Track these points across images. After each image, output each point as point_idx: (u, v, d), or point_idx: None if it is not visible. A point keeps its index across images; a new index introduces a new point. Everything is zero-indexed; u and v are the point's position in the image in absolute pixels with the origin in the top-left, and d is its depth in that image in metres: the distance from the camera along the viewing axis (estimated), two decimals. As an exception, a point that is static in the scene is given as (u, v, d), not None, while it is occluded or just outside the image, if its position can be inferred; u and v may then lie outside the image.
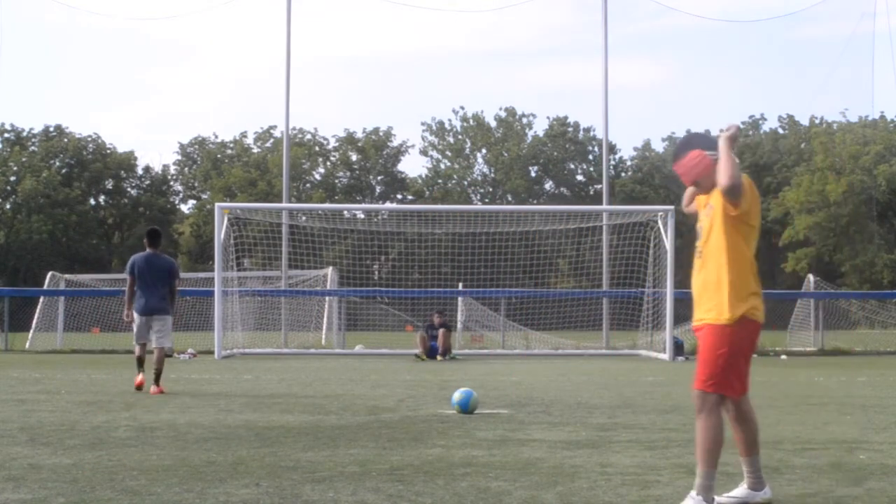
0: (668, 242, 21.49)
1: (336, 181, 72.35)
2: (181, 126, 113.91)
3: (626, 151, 77.78)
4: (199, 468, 6.08)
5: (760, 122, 73.78)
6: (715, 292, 5.01)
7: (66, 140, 68.75)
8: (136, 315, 12.02)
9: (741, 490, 5.15)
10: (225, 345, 21.20)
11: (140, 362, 11.95)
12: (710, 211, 5.10)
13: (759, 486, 5.12)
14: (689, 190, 5.32)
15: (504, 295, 27.46)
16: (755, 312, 4.99)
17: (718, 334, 4.97)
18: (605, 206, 29.70)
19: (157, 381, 11.54)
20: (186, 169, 75.45)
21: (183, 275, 44.21)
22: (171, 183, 74.77)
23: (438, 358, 20.48)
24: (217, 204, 23.13)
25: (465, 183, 72.41)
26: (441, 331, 20.92)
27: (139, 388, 11.66)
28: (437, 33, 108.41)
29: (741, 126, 4.70)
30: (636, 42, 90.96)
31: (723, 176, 4.87)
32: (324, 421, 8.63)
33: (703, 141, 5.18)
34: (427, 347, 20.74)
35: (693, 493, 4.89)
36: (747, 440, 5.15)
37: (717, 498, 4.99)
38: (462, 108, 73.48)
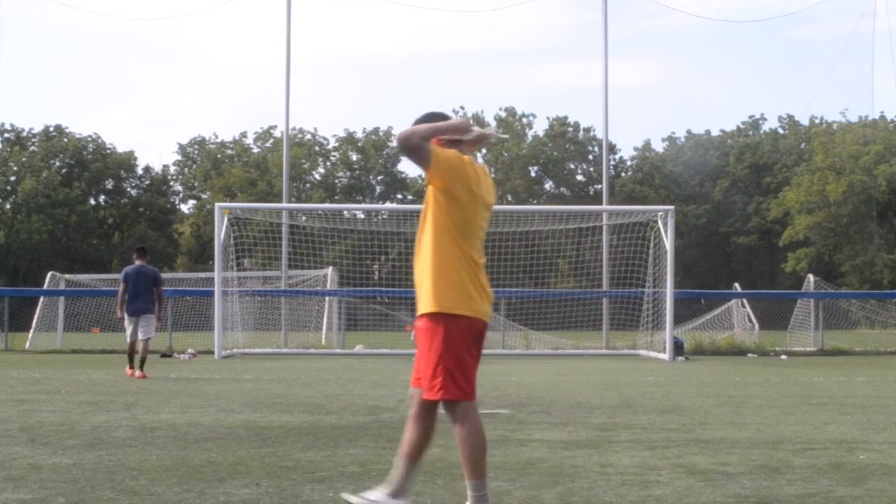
0: (668, 242, 21.48)
1: (336, 181, 72.36)
2: (181, 126, 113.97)
3: (626, 151, 77.94)
4: (199, 468, 6.08)
5: (760, 122, 73.85)
6: (422, 278, 4.62)
7: (66, 140, 68.77)
8: (127, 316, 14.76)
9: (379, 493, 4.72)
10: (225, 345, 21.20)
11: (131, 358, 14.67)
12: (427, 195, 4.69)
13: (399, 495, 4.68)
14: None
15: (504, 295, 27.44)
16: (466, 305, 4.55)
17: (430, 329, 4.55)
18: (605, 206, 29.69)
19: (141, 367, 14.36)
20: (186, 169, 75.48)
21: (183, 275, 44.39)
22: (171, 183, 74.81)
23: None
24: (217, 204, 23.12)
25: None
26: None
27: (130, 376, 14.26)
28: (437, 33, 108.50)
29: (471, 122, 4.38)
30: (636, 42, 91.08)
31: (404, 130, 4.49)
32: (324, 421, 8.63)
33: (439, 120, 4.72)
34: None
35: None
36: (414, 443, 4.75)
37: (347, 496, 4.75)
38: (462, 108, 73.56)
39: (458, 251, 4.57)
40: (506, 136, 4.87)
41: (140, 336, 14.58)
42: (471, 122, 4.79)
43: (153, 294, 14.86)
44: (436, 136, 4.57)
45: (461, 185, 4.55)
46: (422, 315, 4.61)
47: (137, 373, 14.23)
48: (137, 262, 15.11)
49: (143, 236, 65.40)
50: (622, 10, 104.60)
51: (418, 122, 4.69)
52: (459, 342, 4.54)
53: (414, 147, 4.46)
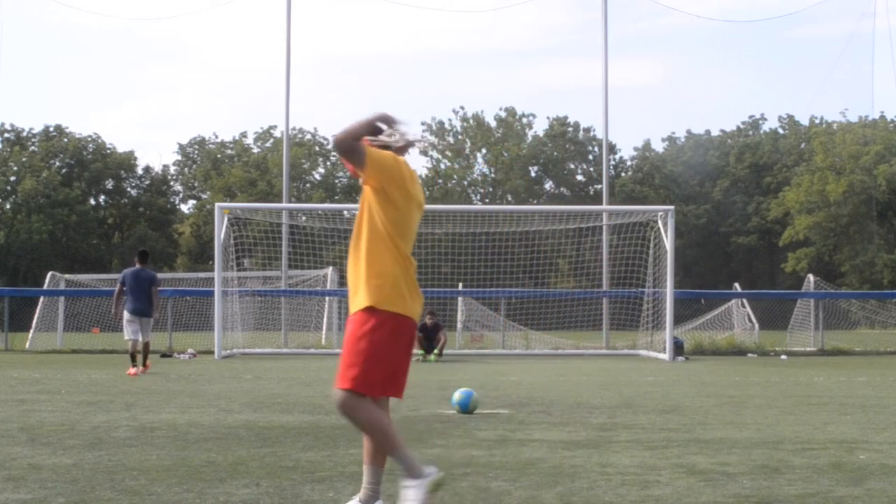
0: (668, 242, 21.48)
1: (336, 181, 72.34)
2: (181, 126, 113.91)
3: (626, 151, 77.93)
4: (199, 468, 6.08)
5: (760, 122, 73.84)
6: (357, 277, 4.69)
7: (66, 140, 68.77)
8: (126, 314, 15.76)
9: (411, 488, 4.71)
10: (225, 345, 21.20)
11: (133, 357, 15.53)
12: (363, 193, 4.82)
13: (371, 500, 4.74)
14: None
15: (504, 295, 27.45)
16: (400, 304, 4.62)
17: (361, 322, 4.62)
18: (605, 206, 29.69)
19: (144, 361, 15.64)
20: (186, 169, 75.48)
21: (183, 275, 44.39)
22: (171, 183, 74.81)
23: (432, 357, 20.46)
24: (217, 204, 23.12)
25: (466, 183, 72.42)
26: (441, 331, 21.00)
27: (134, 376, 14.88)
28: (437, 33, 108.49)
29: (395, 120, 4.49)
30: (636, 42, 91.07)
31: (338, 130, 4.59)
32: (324, 421, 8.63)
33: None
34: (424, 347, 20.74)
35: (408, 481, 4.69)
36: (374, 447, 4.82)
37: None
38: (462, 108, 73.56)
39: (395, 250, 4.66)
40: (433, 138, 4.88)
41: (140, 339, 15.80)
42: (394, 121, 4.80)
43: (149, 296, 15.89)
44: (361, 133, 4.64)
45: (395, 185, 4.65)
46: (356, 311, 4.66)
47: (140, 368, 15.41)
48: (137, 266, 16.14)
49: (144, 236, 65.41)
50: (622, 10, 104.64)
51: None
52: (387, 339, 4.60)
53: (349, 148, 4.56)
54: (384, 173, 4.63)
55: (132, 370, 15.18)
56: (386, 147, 4.75)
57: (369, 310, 4.61)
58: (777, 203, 63.83)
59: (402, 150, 4.83)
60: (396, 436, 4.72)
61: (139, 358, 15.52)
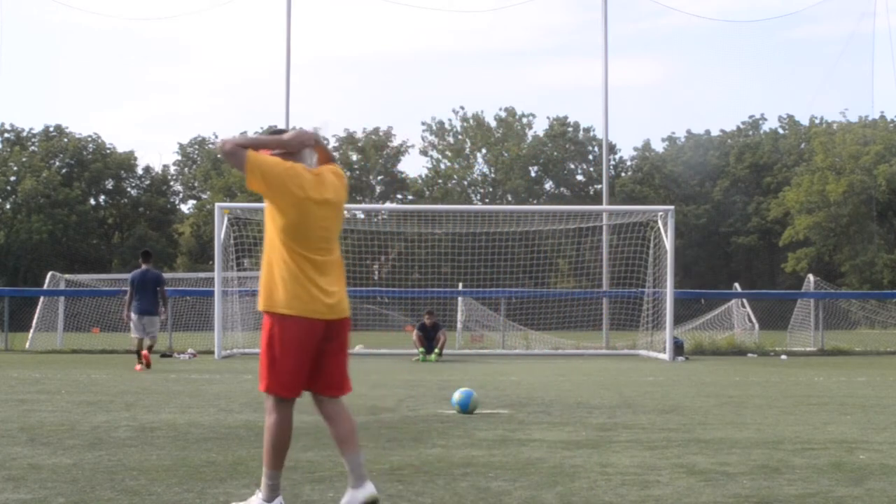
0: (668, 242, 21.48)
1: (336, 181, 72.31)
2: (181, 126, 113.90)
3: (626, 151, 77.85)
4: (199, 468, 6.08)
5: (760, 122, 73.81)
6: (262, 280, 4.92)
7: (66, 140, 68.74)
8: (133, 315, 16.41)
9: (347, 493, 4.90)
10: (225, 345, 21.19)
11: (139, 354, 16.11)
12: None
13: (359, 484, 4.88)
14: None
15: (504, 295, 27.44)
16: (296, 306, 4.78)
17: (265, 326, 4.86)
18: (605, 206, 29.68)
19: (149, 350, 16.28)
20: (186, 169, 75.46)
21: (183, 275, 44.35)
22: (171, 183, 74.78)
23: (432, 357, 20.45)
24: (217, 204, 23.11)
25: (466, 183, 72.41)
26: (441, 331, 20.99)
27: (139, 371, 15.65)
28: (437, 33, 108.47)
29: (318, 130, 4.76)
30: (636, 42, 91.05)
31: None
32: (324, 421, 8.62)
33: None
34: (424, 346, 20.73)
35: (259, 494, 4.86)
36: (338, 439, 5.00)
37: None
38: (462, 108, 73.55)
39: (290, 253, 4.82)
40: (325, 140, 5.12)
41: (146, 338, 16.58)
42: (302, 135, 5.01)
43: (156, 296, 16.65)
44: (256, 146, 4.89)
45: (280, 190, 4.82)
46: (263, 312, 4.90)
47: (138, 366, 16.06)
48: (143, 266, 16.84)
49: (144, 236, 65.38)
50: (622, 10, 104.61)
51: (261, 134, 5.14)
52: (286, 340, 4.78)
53: (227, 153, 4.83)
54: (266, 179, 4.81)
55: (138, 366, 15.92)
56: (291, 154, 4.95)
57: (265, 313, 4.86)
58: (777, 203, 63.81)
59: (296, 153, 4.98)
60: (280, 457, 4.89)
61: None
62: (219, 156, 4.62)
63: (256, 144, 4.93)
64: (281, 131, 5.12)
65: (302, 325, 4.79)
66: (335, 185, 5.02)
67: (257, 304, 4.91)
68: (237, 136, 4.96)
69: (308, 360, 4.86)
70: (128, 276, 18.08)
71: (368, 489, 4.84)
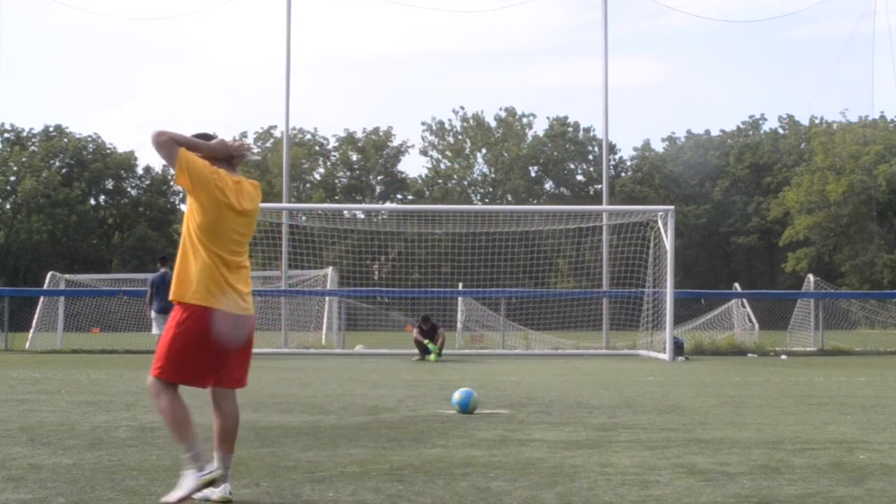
0: (668, 242, 21.48)
1: (336, 181, 72.34)
2: (181, 126, 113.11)
3: (626, 151, 77.79)
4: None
5: (760, 122, 73.80)
6: (176, 272, 5.20)
7: (66, 140, 68.74)
8: (154, 313, 17.93)
9: (187, 477, 5.12)
10: (225, 345, 21.17)
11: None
12: None
13: (218, 483, 5.08)
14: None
15: (504, 295, 27.44)
16: (204, 297, 5.05)
17: (174, 314, 5.16)
18: (605, 206, 29.68)
19: None
20: (186, 169, 75.46)
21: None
22: (171, 183, 74.74)
23: (432, 357, 20.44)
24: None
25: (465, 183, 72.42)
26: (439, 330, 20.99)
27: None
28: (437, 33, 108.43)
29: (246, 143, 5.19)
30: (636, 42, 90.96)
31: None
32: (324, 421, 8.63)
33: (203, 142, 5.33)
34: (424, 347, 20.73)
35: (190, 470, 5.06)
36: (219, 434, 5.25)
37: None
38: (462, 108, 73.54)
39: (204, 249, 5.12)
40: (257, 156, 5.37)
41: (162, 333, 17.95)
42: (231, 143, 5.37)
43: None
44: (188, 146, 5.16)
45: (204, 191, 5.11)
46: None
47: None
48: (162, 269, 18.27)
49: (144, 236, 65.39)
50: (622, 10, 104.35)
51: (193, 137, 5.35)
52: (189, 330, 5.06)
53: (161, 144, 5.09)
54: (193, 178, 5.10)
55: None
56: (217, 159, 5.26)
57: (176, 303, 5.14)
58: (777, 203, 63.81)
59: (226, 160, 5.30)
60: (185, 430, 5.11)
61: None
62: (153, 144, 4.85)
63: (189, 144, 5.18)
64: (209, 136, 5.37)
65: (211, 315, 5.05)
66: (252, 194, 5.35)
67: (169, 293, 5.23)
68: (174, 131, 5.20)
69: (211, 351, 5.11)
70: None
71: (225, 489, 5.10)
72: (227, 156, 5.32)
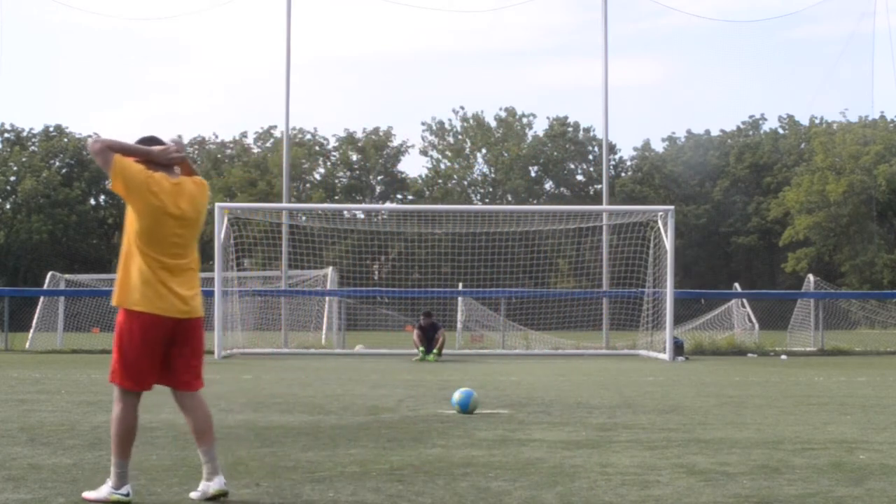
0: (668, 242, 21.48)
1: (336, 181, 72.31)
2: (181, 126, 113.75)
3: (626, 151, 77.73)
4: (199, 468, 6.07)
5: (760, 122, 73.77)
6: (116, 277, 5.26)
7: (66, 140, 68.75)
8: None
9: (200, 485, 5.24)
10: (225, 345, 21.19)
11: None
12: None
13: (211, 476, 5.17)
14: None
15: (504, 295, 27.44)
16: (144, 302, 5.11)
17: (118, 321, 5.21)
18: (605, 206, 29.67)
19: None
20: (186, 169, 75.48)
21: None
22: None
23: (431, 357, 20.44)
24: (217, 204, 23.11)
25: (465, 183, 72.41)
26: (440, 331, 20.99)
27: None
28: (437, 33, 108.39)
29: (175, 144, 5.22)
30: (636, 42, 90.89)
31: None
32: (324, 421, 8.63)
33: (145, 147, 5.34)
34: (424, 346, 20.72)
35: (108, 482, 5.13)
36: (195, 431, 5.33)
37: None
38: (462, 108, 73.50)
39: (141, 254, 5.16)
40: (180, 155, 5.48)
41: None
42: (170, 148, 5.34)
43: None
44: (124, 152, 5.20)
45: (139, 197, 5.15)
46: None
47: None
48: None
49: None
50: (622, 10, 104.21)
51: (135, 142, 5.37)
52: (134, 335, 5.13)
53: (96, 151, 5.16)
54: (127, 184, 5.14)
55: None
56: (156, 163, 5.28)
57: (119, 309, 5.20)
58: (777, 203, 63.79)
59: (163, 164, 5.30)
60: (124, 446, 5.16)
61: None
62: (89, 153, 4.96)
63: (125, 150, 5.21)
64: (153, 140, 5.39)
65: (152, 321, 5.11)
66: (193, 194, 5.34)
67: (111, 298, 5.28)
68: (110, 138, 5.28)
69: (157, 355, 5.18)
70: None
71: (219, 482, 5.16)
72: (168, 163, 5.33)
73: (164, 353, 5.21)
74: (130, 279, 5.14)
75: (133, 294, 5.11)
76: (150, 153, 5.25)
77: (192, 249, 5.38)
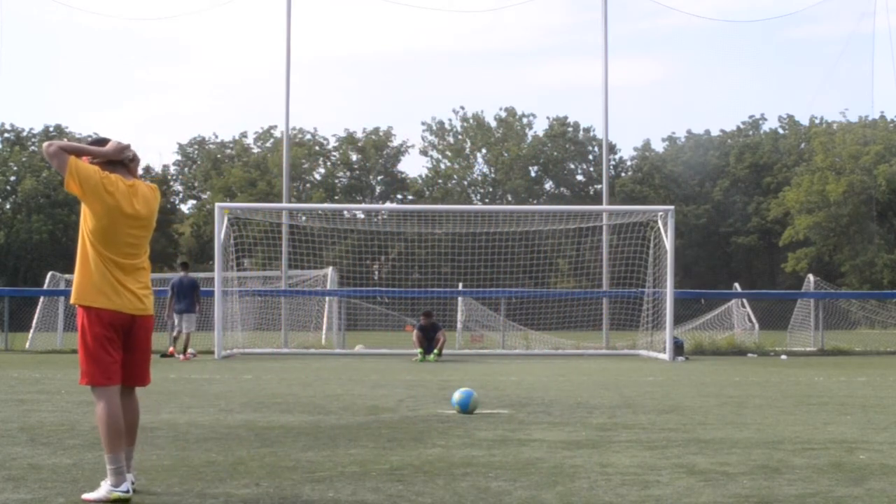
0: (668, 242, 21.48)
1: (336, 181, 72.31)
2: (181, 126, 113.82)
3: (626, 151, 77.79)
4: (199, 468, 6.08)
5: (760, 122, 73.79)
6: (74, 276, 5.37)
7: (65, 140, 68.79)
8: (175, 314, 20.56)
9: (103, 485, 5.21)
10: (225, 345, 21.19)
11: (175, 340, 20.51)
12: None
13: (118, 482, 5.15)
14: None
15: (504, 295, 27.44)
16: (101, 299, 5.22)
17: (78, 319, 5.32)
18: (605, 206, 29.66)
19: (184, 351, 20.05)
20: (186, 169, 75.45)
21: (183, 275, 44.36)
22: (171, 183, 74.75)
23: (431, 357, 20.42)
24: (217, 204, 23.11)
25: (465, 183, 72.41)
26: (440, 331, 20.98)
27: (171, 355, 20.06)
28: (437, 33, 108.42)
29: (126, 147, 5.53)
30: (636, 42, 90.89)
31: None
32: (324, 421, 8.63)
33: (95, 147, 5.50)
34: (424, 346, 20.72)
35: (107, 481, 5.15)
36: (126, 429, 5.34)
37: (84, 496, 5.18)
38: (462, 108, 73.53)
39: (96, 253, 5.28)
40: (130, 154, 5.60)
41: (184, 329, 20.41)
42: (124, 144, 5.50)
43: (193, 298, 20.64)
44: (79, 153, 5.35)
45: (94, 197, 5.29)
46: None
47: (181, 356, 19.78)
48: (182, 273, 21.13)
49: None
50: (622, 10, 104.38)
51: (88, 143, 5.53)
52: (95, 332, 5.23)
53: (51, 154, 5.30)
54: (82, 184, 5.28)
55: (172, 349, 20.34)
56: (114, 164, 5.43)
57: (78, 307, 5.30)
58: (777, 203, 63.80)
59: (122, 163, 5.47)
60: (115, 441, 5.17)
61: (179, 345, 20.25)
62: (45, 157, 5.09)
63: (79, 151, 5.36)
64: (104, 141, 5.52)
65: (111, 317, 5.24)
66: (147, 196, 5.49)
67: (70, 297, 5.40)
68: (63, 141, 5.43)
69: (117, 349, 5.29)
70: None
71: (125, 488, 5.16)
72: (122, 159, 5.44)
73: (121, 347, 5.34)
74: (88, 278, 5.26)
75: (92, 292, 5.23)
76: (105, 153, 5.39)
77: (144, 249, 5.51)
